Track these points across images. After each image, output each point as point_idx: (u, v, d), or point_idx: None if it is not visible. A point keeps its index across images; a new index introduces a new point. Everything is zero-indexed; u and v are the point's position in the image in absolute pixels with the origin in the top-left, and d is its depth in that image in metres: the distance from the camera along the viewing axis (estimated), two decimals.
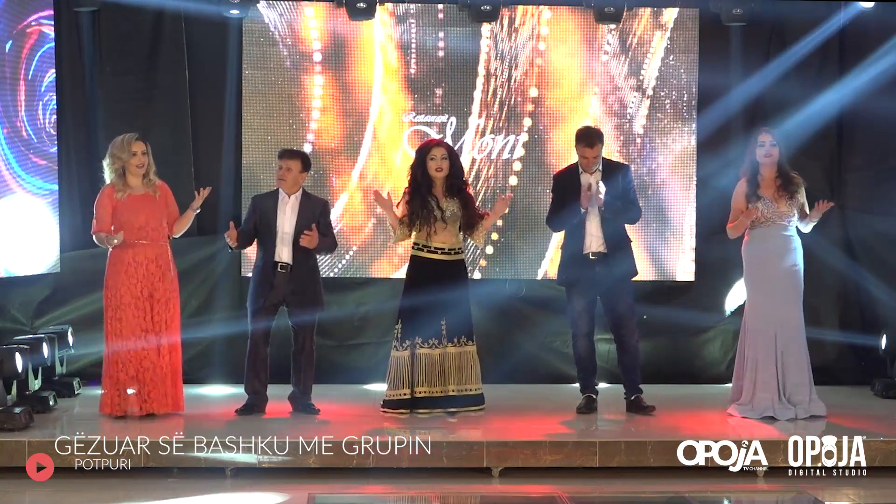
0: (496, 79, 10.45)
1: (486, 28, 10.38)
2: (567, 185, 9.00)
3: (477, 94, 10.46)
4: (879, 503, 7.67)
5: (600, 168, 8.96)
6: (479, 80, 10.46)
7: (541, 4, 10.40)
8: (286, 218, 8.84)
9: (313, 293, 8.90)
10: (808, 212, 8.89)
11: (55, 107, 10.06)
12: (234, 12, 10.04)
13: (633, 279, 9.10)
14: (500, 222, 10.33)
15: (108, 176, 8.65)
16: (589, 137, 8.95)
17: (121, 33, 10.28)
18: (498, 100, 10.46)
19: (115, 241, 8.49)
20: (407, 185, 8.96)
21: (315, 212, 8.90)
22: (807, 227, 8.93)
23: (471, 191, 9.05)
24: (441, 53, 10.41)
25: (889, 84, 10.24)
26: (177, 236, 8.86)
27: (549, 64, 10.47)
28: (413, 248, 8.97)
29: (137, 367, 8.56)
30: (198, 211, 8.81)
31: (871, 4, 10.22)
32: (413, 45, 10.39)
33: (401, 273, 10.33)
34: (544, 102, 10.48)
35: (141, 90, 10.32)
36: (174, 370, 8.73)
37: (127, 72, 10.30)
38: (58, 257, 10.05)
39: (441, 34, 10.40)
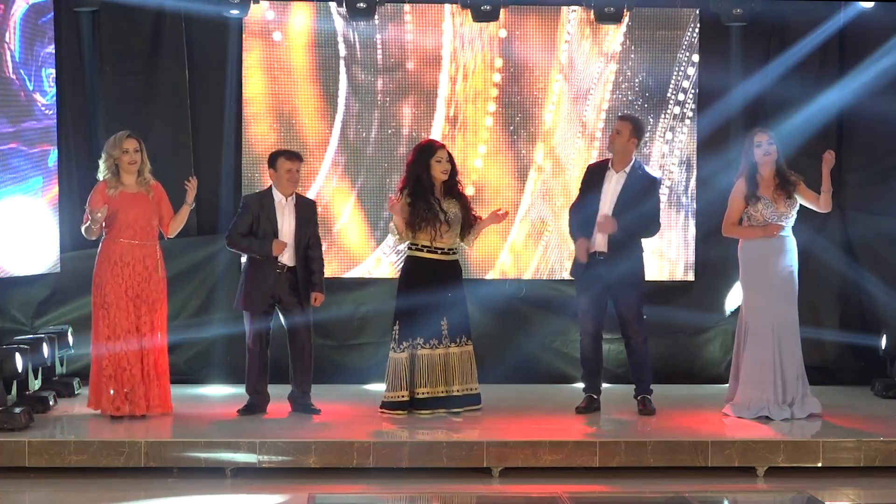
0: (461, 76, 10.46)
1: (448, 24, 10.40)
2: (591, 180, 9.02)
3: (442, 93, 10.47)
4: (879, 503, 7.67)
5: (627, 170, 8.92)
6: (444, 76, 10.46)
7: (539, 4, 10.40)
8: (286, 220, 8.83)
9: (308, 293, 8.88)
10: (817, 194, 8.75)
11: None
12: (234, 12, 10.04)
13: (642, 280, 9.08)
14: None
15: (101, 173, 8.60)
16: (621, 117, 9.11)
17: (121, 33, 10.29)
18: (463, 98, 10.47)
19: (100, 214, 8.38)
20: (402, 184, 8.90)
21: (308, 212, 8.92)
22: (828, 205, 8.75)
23: (464, 192, 9.04)
24: (408, 50, 10.42)
25: (889, 84, 10.24)
26: (172, 236, 8.82)
27: (517, 62, 10.45)
28: (411, 248, 8.94)
29: (123, 367, 8.48)
30: (192, 205, 8.75)
31: (871, 4, 10.22)
32: (379, 41, 10.39)
33: (356, 273, 10.37)
34: (511, 101, 10.48)
35: (141, 90, 10.32)
36: (162, 372, 8.65)
37: (127, 72, 10.30)
38: (58, 257, 10.05)
39: (409, 29, 10.41)
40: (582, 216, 9.00)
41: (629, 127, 8.94)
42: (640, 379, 9.03)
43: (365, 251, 10.45)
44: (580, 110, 10.48)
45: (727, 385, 10.01)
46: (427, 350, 8.86)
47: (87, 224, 8.51)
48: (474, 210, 9.00)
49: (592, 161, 9.88)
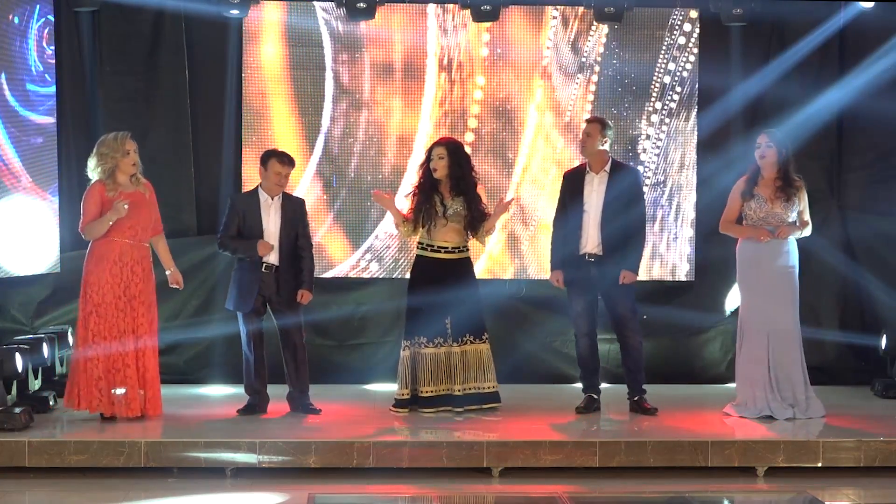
0: (450, 77, 10.47)
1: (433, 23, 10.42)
2: (572, 187, 9.02)
3: (429, 91, 10.47)
4: (879, 503, 7.67)
5: (607, 169, 8.95)
6: (431, 77, 10.46)
7: (540, 4, 10.40)
8: (271, 220, 8.81)
9: (294, 291, 8.85)
10: (805, 219, 8.81)
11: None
12: (234, 12, 10.04)
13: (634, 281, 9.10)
14: None
15: (93, 174, 8.46)
16: (588, 120, 9.09)
17: (121, 33, 10.28)
18: (451, 98, 10.48)
19: (126, 206, 8.28)
20: (416, 182, 9.00)
21: (296, 211, 8.90)
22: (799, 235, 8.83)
23: (481, 191, 9.01)
24: (398, 51, 10.42)
25: (889, 84, 10.24)
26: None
27: (503, 61, 10.45)
28: (417, 247, 9.00)
29: (118, 368, 8.38)
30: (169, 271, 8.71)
31: (871, 4, 10.22)
32: (370, 42, 10.41)
33: (342, 272, 10.38)
34: (497, 100, 10.48)
35: (141, 90, 10.32)
36: (153, 375, 8.55)
37: (127, 72, 10.30)
38: (58, 257, 10.04)
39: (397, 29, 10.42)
40: (566, 228, 9.03)
41: (598, 127, 8.96)
42: (637, 380, 9.03)
43: (353, 250, 10.44)
44: (567, 109, 10.47)
45: (727, 385, 10.04)
46: (431, 349, 8.87)
47: (100, 220, 8.31)
48: (486, 206, 8.98)
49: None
